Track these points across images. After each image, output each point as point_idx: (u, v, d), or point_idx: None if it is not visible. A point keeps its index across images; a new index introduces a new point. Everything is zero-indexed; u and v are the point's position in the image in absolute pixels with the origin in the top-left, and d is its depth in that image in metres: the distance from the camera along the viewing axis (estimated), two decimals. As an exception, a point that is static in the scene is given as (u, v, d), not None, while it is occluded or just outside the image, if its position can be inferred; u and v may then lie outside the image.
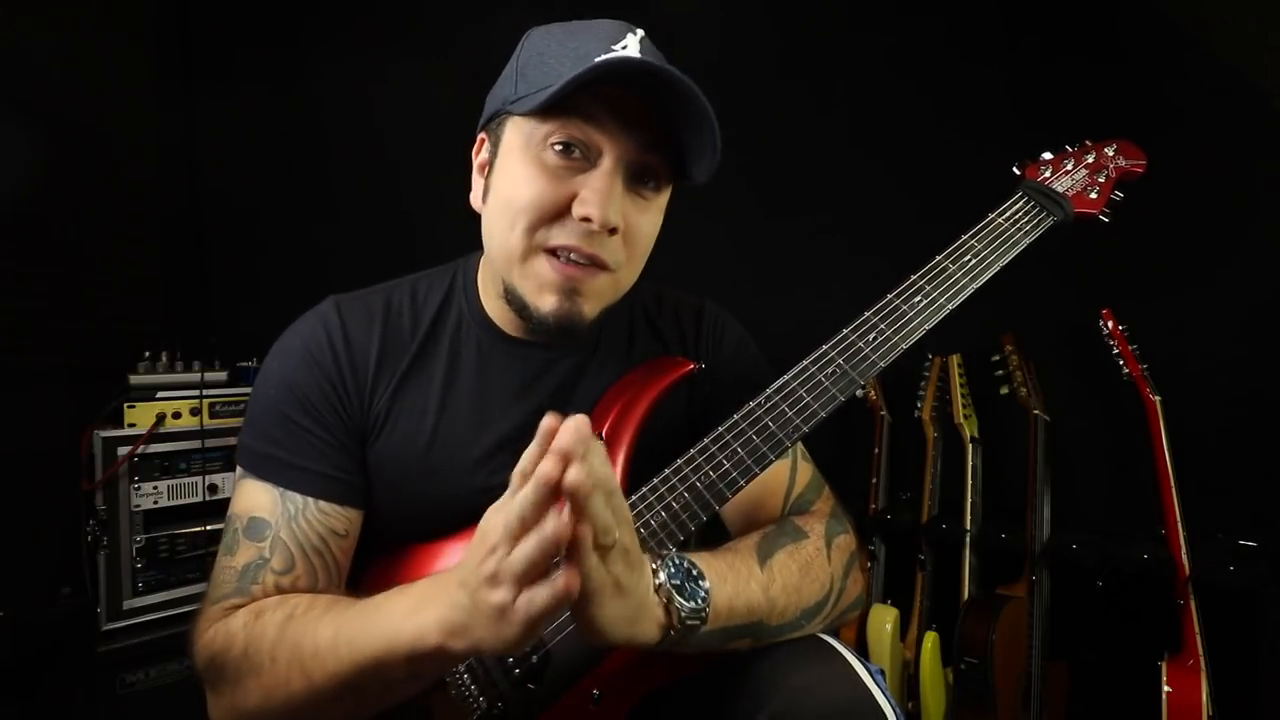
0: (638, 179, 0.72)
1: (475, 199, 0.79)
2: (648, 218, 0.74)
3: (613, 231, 0.70)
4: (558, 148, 0.69)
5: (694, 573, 0.62)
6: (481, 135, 0.79)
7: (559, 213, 0.70)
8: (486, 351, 0.82)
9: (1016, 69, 1.83)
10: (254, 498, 0.74)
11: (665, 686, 0.72)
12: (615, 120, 0.68)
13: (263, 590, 0.70)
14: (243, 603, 0.69)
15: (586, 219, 0.68)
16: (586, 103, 0.67)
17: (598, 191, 0.68)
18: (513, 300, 0.75)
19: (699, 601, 0.61)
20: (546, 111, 0.67)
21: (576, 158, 0.69)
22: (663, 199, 0.76)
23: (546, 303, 0.71)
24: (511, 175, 0.72)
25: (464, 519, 0.77)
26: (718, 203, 2.06)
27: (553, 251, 0.71)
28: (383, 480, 0.79)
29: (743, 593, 0.65)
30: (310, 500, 0.74)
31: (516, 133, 0.72)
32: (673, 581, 0.60)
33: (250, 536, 0.72)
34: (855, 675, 0.64)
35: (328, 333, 0.78)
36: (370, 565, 0.80)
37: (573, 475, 0.48)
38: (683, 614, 0.60)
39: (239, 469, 0.76)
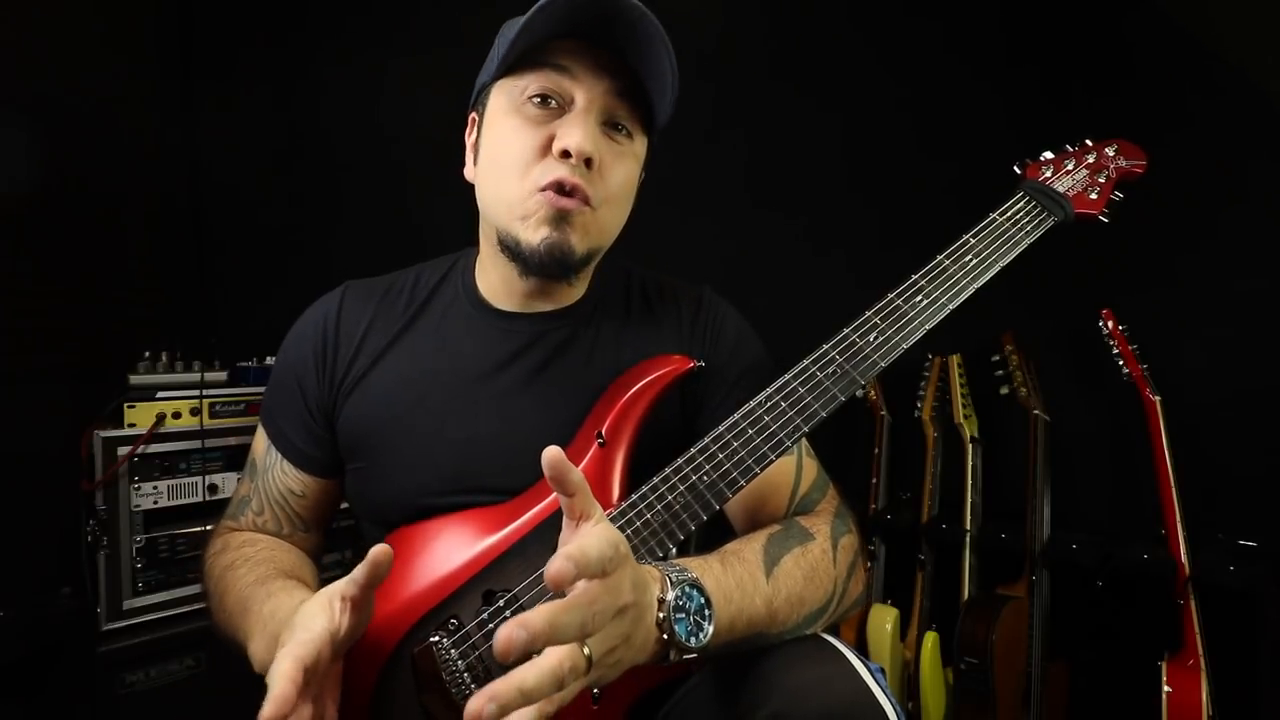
0: (611, 125, 0.79)
1: (468, 170, 0.87)
2: (623, 163, 0.81)
3: (589, 163, 0.76)
4: (535, 100, 0.77)
5: (702, 606, 0.60)
6: (471, 115, 0.86)
7: (542, 153, 0.77)
8: (474, 323, 0.87)
9: (1016, 68, 1.83)
10: (258, 441, 0.91)
11: (664, 684, 0.72)
12: (584, 68, 0.76)
13: (246, 522, 0.90)
14: (234, 526, 0.90)
15: (565, 151, 0.75)
16: (556, 56, 0.76)
17: (573, 125, 0.76)
18: (507, 246, 0.80)
19: (701, 638, 0.59)
20: (522, 69, 0.77)
21: (553, 106, 0.77)
22: (637, 148, 0.83)
23: (539, 234, 0.77)
24: (499, 132, 0.80)
25: (445, 495, 0.80)
26: (718, 202, 2.07)
27: (543, 191, 0.77)
28: (361, 447, 0.84)
29: (745, 610, 0.65)
30: (280, 458, 0.89)
31: (499, 96, 0.80)
32: (677, 615, 0.58)
33: (249, 474, 0.91)
34: (856, 674, 0.64)
35: (325, 313, 0.89)
36: (364, 553, 0.81)
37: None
38: (683, 650, 0.59)
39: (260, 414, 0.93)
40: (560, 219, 0.77)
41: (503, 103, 0.79)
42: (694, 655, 0.59)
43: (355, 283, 0.92)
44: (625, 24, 0.73)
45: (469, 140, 0.87)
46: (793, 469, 0.85)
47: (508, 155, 0.78)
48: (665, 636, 0.58)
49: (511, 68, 0.78)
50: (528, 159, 0.77)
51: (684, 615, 0.58)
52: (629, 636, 0.54)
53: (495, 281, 0.87)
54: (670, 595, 0.58)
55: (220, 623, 0.78)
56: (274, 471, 0.89)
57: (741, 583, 0.66)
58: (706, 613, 0.60)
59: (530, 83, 0.77)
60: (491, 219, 0.82)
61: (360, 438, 0.85)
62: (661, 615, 0.58)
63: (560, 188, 0.75)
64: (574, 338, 0.87)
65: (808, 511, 0.83)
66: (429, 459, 0.81)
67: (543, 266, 0.79)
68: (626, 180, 0.82)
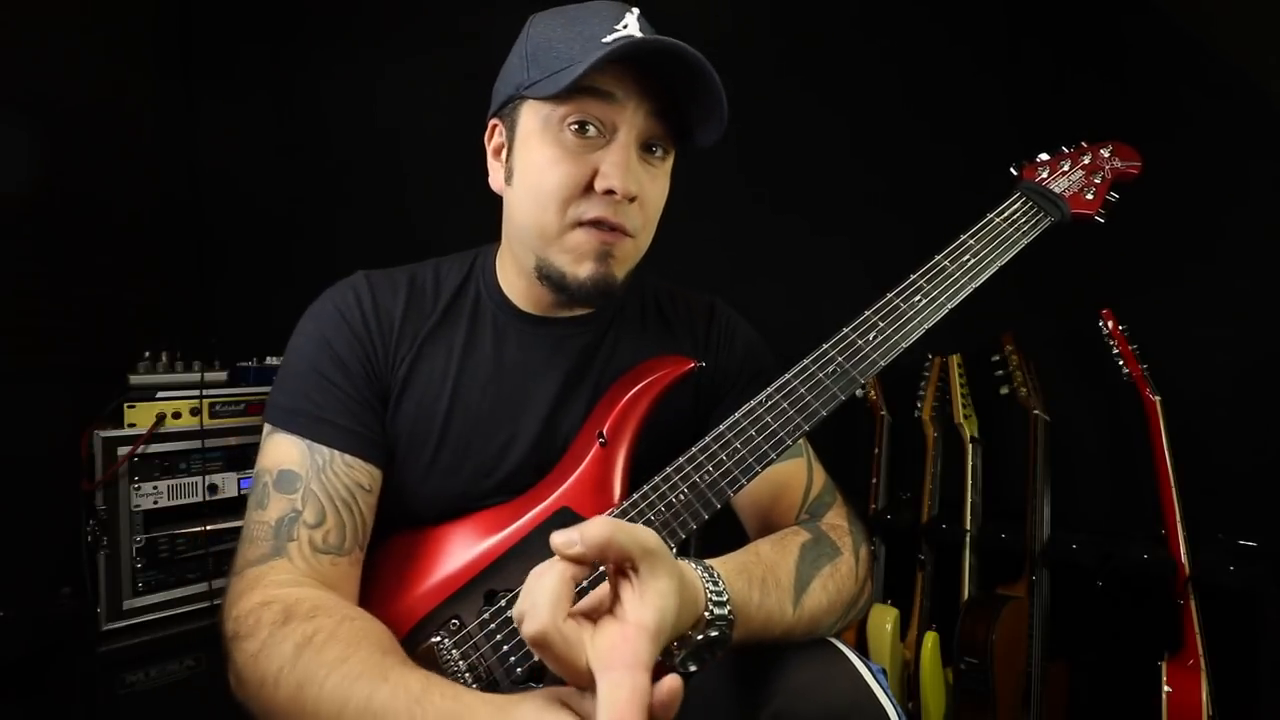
0: (647, 148, 0.77)
1: (496, 183, 0.84)
2: (657, 184, 0.80)
3: (632, 199, 0.75)
4: (574, 127, 0.73)
5: (717, 651, 0.58)
6: (494, 121, 0.82)
7: (584, 188, 0.74)
8: (502, 327, 0.86)
9: (1016, 69, 1.83)
10: (282, 451, 0.75)
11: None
12: (627, 95, 0.73)
13: (298, 549, 0.71)
14: (283, 569, 0.69)
15: (610, 191, 0.72)
16: (599, 82, 0.71)
17: (617, 165, 0.72)
18: (548, 275, 0.79)
19: (692, 668, 0.58)
20: (559, 95, 0.71)
21: (592, 135, 0.73)
22: (669, 164, 0.82)
23: (585, 269, 0.76)
24: (534, 158, 0.76)
25: (480, 498, 0.80)
26: (719, 202, 2.07)
27: (582, 225, 0.75)
28: (402, 445, 0.81)
29: (757, 636, 0.64)
30: (336, 453, 0.75)
31: (533, 116, 0.76)
32: (690, 648, 0.57)
33: (281, 489, 0.73)
34: (857, 674, 0.64)
35: (357, 296, 0.83)
36: (384, 548, 0.81)
37: None
38: (679, 670, 0.58)
39: (266, 426, 0.78)
40: (605, 255, 0.76)
41: (538, 125, 0.75)
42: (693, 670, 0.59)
43: (373, 272, 0.87)
44: (676, 59, 0.70)
45: (490, 146, 0.84)
46: (805, 470, 0.86)
47: (546, 186, 0.74)
48: (665, 654, 0.56)
49: (553, 94, 0.72)
50: (568, 193, 0.74)
51: (695, 652, 0.57)
52: None
53: (520, 288, 0.86)
54: (700, 637, 0.57)
55: (291, 714, 0.59)
56: (332, 469, 0.75)
57: (769, 617, 0.65)
58: (717, 651, 0.58)
59: (570, 110, 0.72)
60: (529, 246, 0.79)
61: (401, 432, 0.82)
62: (675, 645, 0.56)
63: (599, 223, 0.75)
64: (597, 344, 0.88)
65: (820, 515, 0.83)
66: (465, 460, 0.81)
67: (589, 299, 0.79)
68: (659, 201, 0.81)
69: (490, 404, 0.83)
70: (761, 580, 0.66)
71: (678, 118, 0.76)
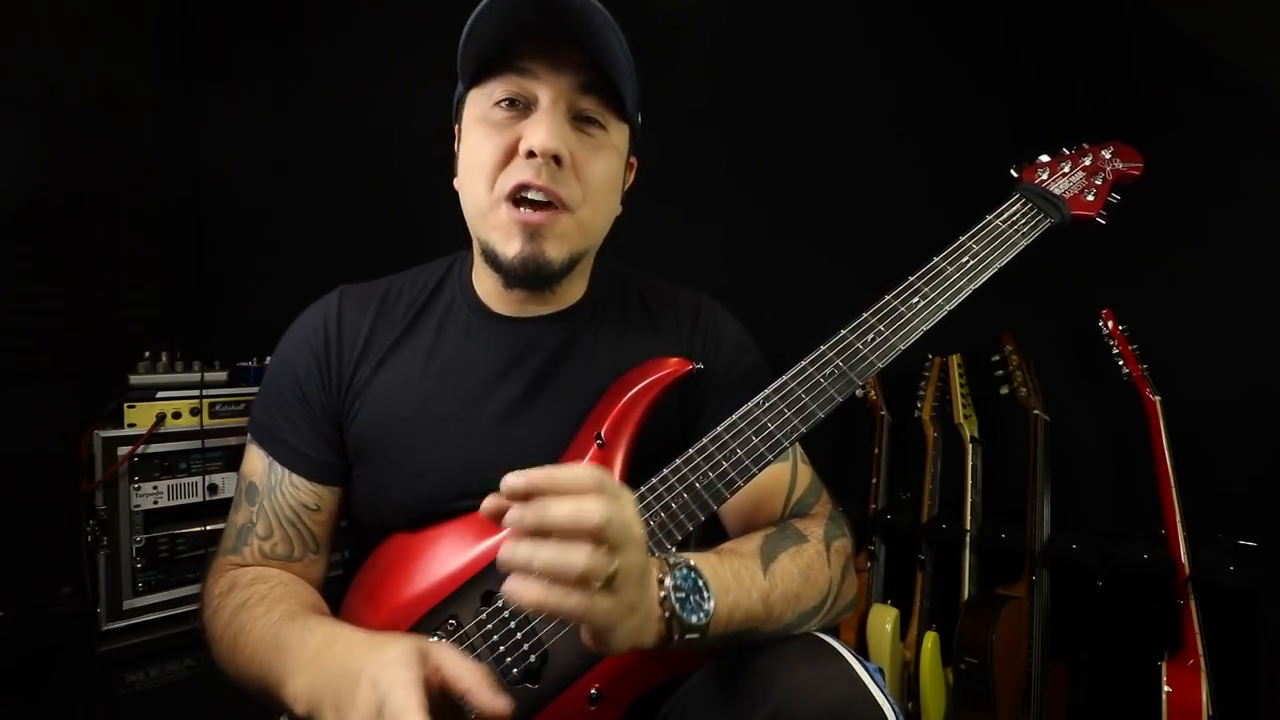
0: (583, 119, 0.78)
1: (456, 180, 0.86)
2: (600, 155, 0.79)
3: (559, 162, 0.75)
4: (503, 104, 0.77)
5: (701, 588, 0.62)
6: (456, 127, 0.86)
7: (509, 156, 0.76)
8: (474, 328, 0.87)
9: (1015, 67, 1.83)
10: (253, 462, 0.85)
11: (663, 684, 0.72)
12: (545, 67, 0.75)
13: (250, 552, 0.82)
14: (238, 561, 0.82)
15: (530, 152, 0.74)
16: (519, 59, 0.75)
17: (537, 124, 0.75)
18: (488, 256, 0.80)
19: (702, 617, 0.61)
20: (487, 76, 0.77)
21: (519, 108, 0.77)
22: (615, 138, 0.81)
23: (511, 248, 0.77)
24: (470, 141, 0.80)
25: (449, 500, 0.80)
26: (716, 204, 2.08)
27: (513, 198, 0.76)
28: (366, 452, 0.83)
29: (743, 603, 0.66)
30: (287, 473, 0.83)
31: (471, 106, 0.80)
32: (678, 594, 0.60)
33: (247, 499, 0.84)
34: (854, 674, 0.64)
35: (325, 316, 0.87)
36: (385, 547, 0.81)
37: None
38: (685, 629, 0.60)
39: (249, 434, 0.87)
40: (532, 233, 0.76)
41: (475, 113, 0.79)
42: (695, 635, 0.60)
43: (350, 287, 0.91)
44: (575, 16, 0.72)
45: (456, 151, 0.86)
46: (788, 474, 0.85)
47: (476, 162, 0.77)
48: (667, 615, 0.59)
49: (478, 76, 0.78)
50: (495, 163, 0.76)
51: (683, 594, 0.60)
52: (635, 606, 0.56)
53: (490, 287, 0.87)
54: (669, 580, 0.60)
55: (236, 664, 0.72)
56: (281, 489, 0.83)
57: (738, 575, 0.67)
58: (705, 594, 0.61)
59: (495, 88, 0.76)
60: (472, 229, 0.82)
61: (366, 442, 0.84)
62: (663, 594, 0.59)
63: (526, 190, 0.75)
64: (573, 341, 0.87)
65: (802, 515, 0.84)
66: (434, 464, 0.81)
67: (522, 280, 0.80)
68: (607, 173, 0.81)
69: (459, 407, 0.83)
70: (717, 551, 0.71)
71: (614, 90, 0.77)
